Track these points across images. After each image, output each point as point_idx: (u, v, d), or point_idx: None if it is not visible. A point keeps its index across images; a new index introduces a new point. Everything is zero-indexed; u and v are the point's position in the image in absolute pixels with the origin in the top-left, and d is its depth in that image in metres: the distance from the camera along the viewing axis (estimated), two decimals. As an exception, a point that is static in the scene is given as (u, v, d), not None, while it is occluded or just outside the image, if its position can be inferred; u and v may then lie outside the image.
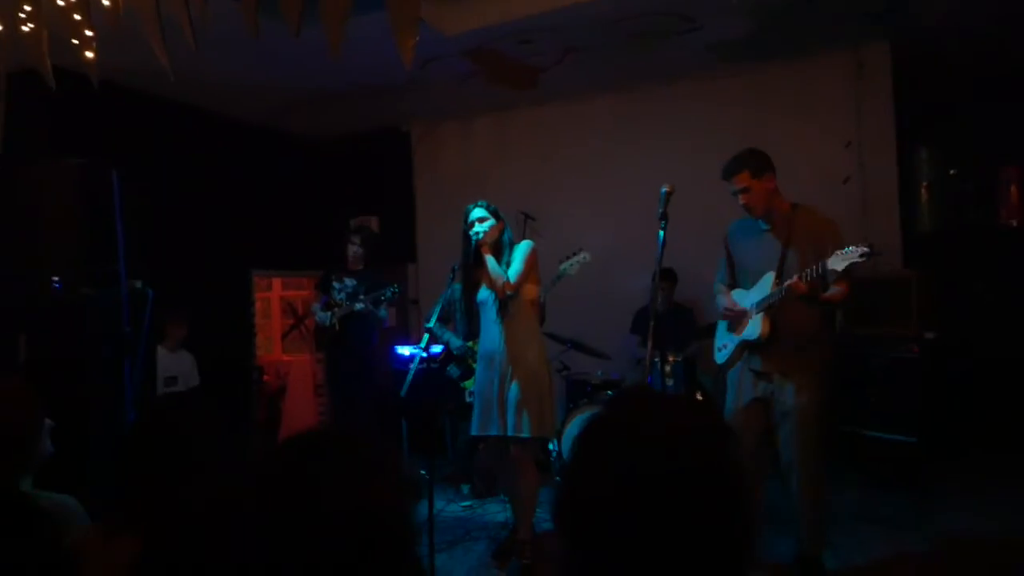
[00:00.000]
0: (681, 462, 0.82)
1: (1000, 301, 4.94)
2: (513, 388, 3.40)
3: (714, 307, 3.46)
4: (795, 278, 2.92)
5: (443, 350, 5.03)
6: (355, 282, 4.99)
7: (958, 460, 4.55)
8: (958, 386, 4.75)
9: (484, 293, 3.53)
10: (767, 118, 5.30)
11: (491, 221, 3.47)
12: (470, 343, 4.86)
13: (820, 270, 2.86)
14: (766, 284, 3.10)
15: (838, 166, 5.16)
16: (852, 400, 4.56)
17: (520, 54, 5.03)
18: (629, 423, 0.88)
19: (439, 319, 4.74)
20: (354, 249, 5.02)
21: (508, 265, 3.46)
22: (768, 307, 3.05)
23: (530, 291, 3.50)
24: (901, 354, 4.38)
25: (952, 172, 4.98)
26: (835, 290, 3.00)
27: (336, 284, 5.04)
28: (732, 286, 3.34)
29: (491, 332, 3.51)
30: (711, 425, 0.88)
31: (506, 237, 3.54)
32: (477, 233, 3.43)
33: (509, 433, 3.39)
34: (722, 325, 3.36)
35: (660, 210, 3.02)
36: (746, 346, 3.16)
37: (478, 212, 3.49)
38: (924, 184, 4.98)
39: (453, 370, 4.97)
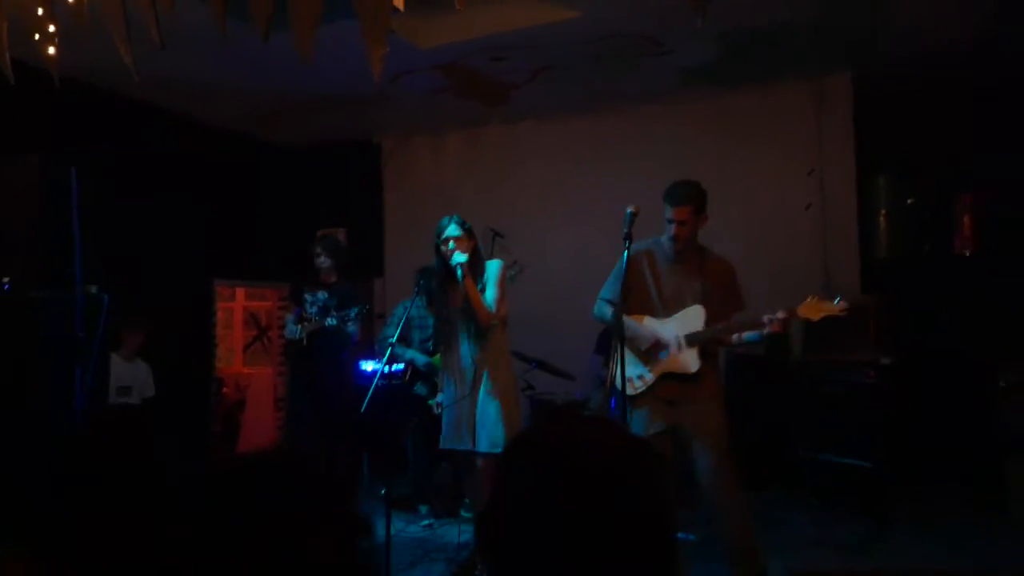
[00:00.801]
0: (601, 483, 0.80)
1: (955, 329, 5.07)
2: (486, 404, 3.42)
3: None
4: (776, 322, 2.95)
5: (405, 368, 4.96)
6: (326, 296, 4.91)
7: (914, 487, 4.61)
8: (915, 413, 4.84)
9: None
10: (732, 144, 5.42)
11: (466, 242, 3.45)
12: (434, 359, 4.83)
13: (788, 317, 2.95)
14: (695, 318, 3.13)
15: (800, 193, 5.28)
16: (808, 424, 4.62)
17: (492, 71, 5.07)
18: (550, 442, 0.86)
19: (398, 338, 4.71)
20: (320, 261, 4.93)
21: (483, 287, 3.46)
22: (703, 341, 3.11)
23: (500, 309, 3.52)
24: (858, 379, 4.45)
25: (909, 200, 5.11)
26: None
27: (308, 297, 4.94)
28: (624, 308, 3.16)
29: (461, 348, 3.50)
30: (635, 447, 0.86)
31: (478, 256, 3.55)
32: (461, 263, 3.35)
33: (481, 449, 3.39)
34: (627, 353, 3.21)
35: (624, 231, 3.04)
36: (669, 377, 3.16)
37: (453, 230, 3.45)
38: (882, 212, 5.11)
39: (420, 388, 4.91)
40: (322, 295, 4.92)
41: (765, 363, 4.94)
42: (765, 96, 5.42)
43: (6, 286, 3.43)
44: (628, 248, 3.03)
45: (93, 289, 3.67)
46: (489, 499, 0.87)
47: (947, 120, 5.11)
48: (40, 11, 2.49)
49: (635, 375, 3.20)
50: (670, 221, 3.14)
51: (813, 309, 2.97)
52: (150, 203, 5.35)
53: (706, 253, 3.27)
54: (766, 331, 2.99)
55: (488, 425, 3.39)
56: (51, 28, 2.53)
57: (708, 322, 3.11)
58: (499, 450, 3.35)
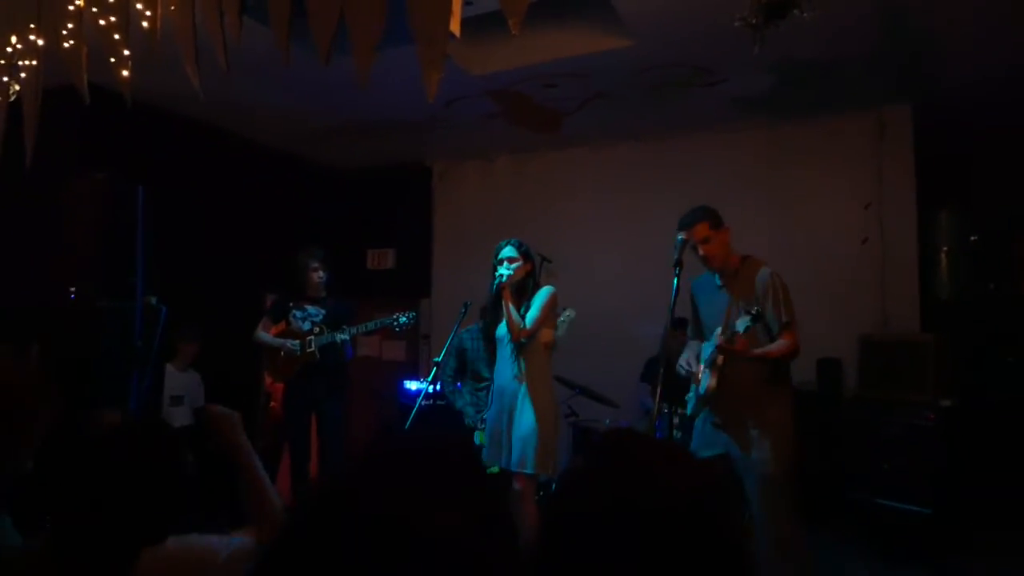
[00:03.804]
0: (672, 514, 0.76)
1: (1020, 372, 4.83)
2: (520, 425, 3.47)
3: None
4: (719, 339, 2.98)
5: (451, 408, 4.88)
6: (323, 311, 4.70)
7: (974, 536, 4.38)
8: (976, 458, 4.61)
9: (502, 330, 3.61)
10: (787, 174, 5.33)
11: (519, 263, 3.54)
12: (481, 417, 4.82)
13: (731, 331, 2.94)
14: (714, 339, 3.11)
15: (857, 226, 5.15)
16: (863, 465, 4.45)
17: (544, 98, 5.11)
18: (611, 471, 0.82)
19: (456, 371, 4.70)
20: (320, 276, 4.69)
21: (528, 308, 3.52)
22: (712, 363, 3.05)
23: (545, 335, 3.57)
24: (917, 421, 4.28)
25: (973, 238, 4.93)
26: (779, 343, 3.01)
27: (297, 313, 4.70)
28: (702, 340, 3.34)
29: (504, 369, 3.60)
30: (702, 475, 0.82)
31: (532, 280, 3.62)
32: (501, 276, 3.48)
33: (512, 468, 3.45)
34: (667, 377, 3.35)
35: (675, 257, 3.05)
36: (701, 400, 3.16)
37: (508, 251, 3.56)
38: (944, 249, 4.94)
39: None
40: (314, 310, 4.70)
41: (816, 397, 4.80)
42: (821, 127, 5.32)
43: (71, 295, 3.59)
44: (677, 275, 3.02)
45: (153, 300, 3.80)
46: (543, 532, 0.83)
47: (1012, 154, 4.93)
48: (117, 36, 2.62)
49: (688, 396, 3.28)
50: (693, 247, 3.14)
51: (741, 321, 2.93)
52: (209, 220, 5.54)
53: (746, 265, 3.19)
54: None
55: (520, 444, 3.44)
56: (126, 52, 2.66)
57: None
58: (528, 470, 3.40)
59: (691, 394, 3.28)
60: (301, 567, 0.63)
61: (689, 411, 3.29)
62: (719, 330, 3.07)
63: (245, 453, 1.64)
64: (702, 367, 3.13)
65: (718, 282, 3.23)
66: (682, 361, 3.27)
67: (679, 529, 0.75)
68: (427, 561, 0.62)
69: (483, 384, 4.83)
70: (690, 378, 3.26)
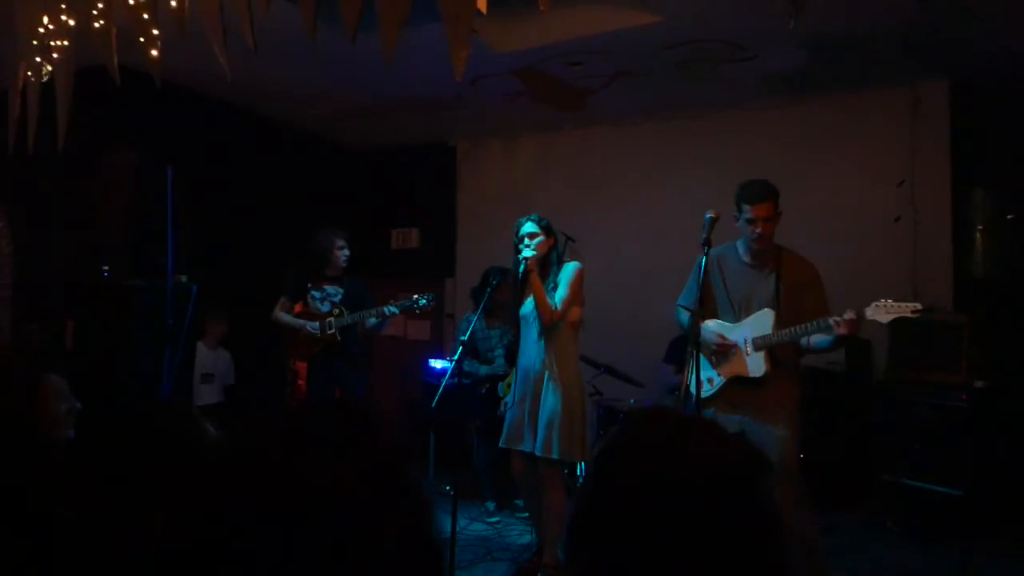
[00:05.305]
0: (709, 486, 0.77)
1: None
2: (546, 407, 3.39)
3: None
4: (842, 322, 2.86)
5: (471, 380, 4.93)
6: (341, 290, 4.61)
7: (1006, 519, 4.31)
8: (1010, 440, 4.53)
9: (527, 308, 3.53)
10: (818, 152, 5.23)
11: (540, 239, 3.46)
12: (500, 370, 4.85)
13: (855, 318, 2.84)
14: (764, 321, 3.05)
15: (889, 205, 5.05)
16: (891, 446, 4.40)
17: (569, 76, 5.05)
18: (648, 446, 0.83)
19: (467, 353, 4.73)
20: (344, 255, 4.59)
21: (555, 286, 3.44)
22: (771, 345, 3.02)
23: (572, 313, 3.48)
24: (949, 402, 4.22)
25: (1009, 216, 4.80)
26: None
27: (316, 293, 4.60)
28: (701, 314, 3.17)
29: (530, 349, 3.51)
30: (741, 450, 0.82)
31: (555, 255, 3.54)
32: (526, 258, 3.38)
33: (538, 452, 3.37)
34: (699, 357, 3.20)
35: (704, 236, 2.99)
36: (738, 382, 3.10)
37: (529, 227, 3.48)
38: (979, 227, 4.82)
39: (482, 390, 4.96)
40: (333, 290, 4.61)
41: (846, 378, 4.75)
42: (854, 103, 5.20)
43: (105, 273, 3.66)
44: (707, 254, 2.97)
45: (183, 279, 3.86)
46: (580, 505, 0.84)
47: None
48: (146, 16, 2.63)
49: (705, 378, 3.17)
50: (751, 221, 3.04)
51: (882, 311, 2.87)
52: (237, 200, 5.59)
53: (784, 253, 3.16)
54: (833, 334, 2.89)
55: (546, 427, 3.36)
56: (155, 32, 2.67)
57: (779, 325, 3.03)
58: (554, 455, 3.33)
59: (709, 375, 3.16)
60: (202, 520, 0.66)
61: (709, 393, 3.14)
62: (769, 312, 3.03)
63: None
64: (749, 348, 3.05)
65: (746, 259, 3.17)
66: (708, 340, 3.13)
67: (714, 501, 0.76)
68: (322, 518, 0.64)
69: (494, 368, 4.88)
70: (712, 358, 3.17)
